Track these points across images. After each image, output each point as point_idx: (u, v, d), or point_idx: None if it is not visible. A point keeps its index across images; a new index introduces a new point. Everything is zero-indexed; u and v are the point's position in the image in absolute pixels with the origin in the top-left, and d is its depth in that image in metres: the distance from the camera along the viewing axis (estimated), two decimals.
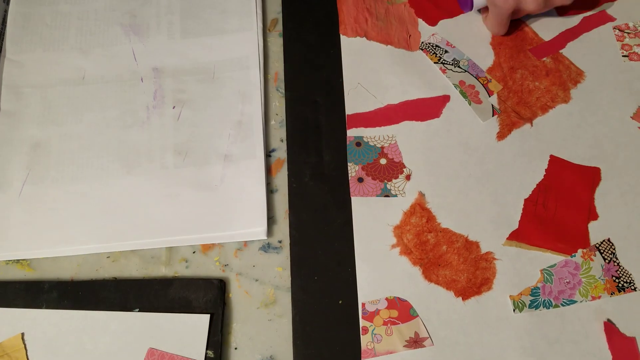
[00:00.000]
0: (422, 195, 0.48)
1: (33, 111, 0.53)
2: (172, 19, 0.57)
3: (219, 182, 0.49)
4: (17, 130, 0.52)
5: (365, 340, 0.44)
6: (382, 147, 0.51)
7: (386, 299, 0.45)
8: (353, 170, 0.50)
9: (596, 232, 0.47)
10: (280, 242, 0.48)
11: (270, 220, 0.49)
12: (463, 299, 0.45)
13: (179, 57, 0.55)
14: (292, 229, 0.48)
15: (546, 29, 0.55)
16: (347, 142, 0.51)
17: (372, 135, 0.51)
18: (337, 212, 0.48)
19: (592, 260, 0.46)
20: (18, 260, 0.48)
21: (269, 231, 0.48)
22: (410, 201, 0.48)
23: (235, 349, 0.45)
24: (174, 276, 0.47)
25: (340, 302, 0.45)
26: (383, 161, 0.50)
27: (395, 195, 0.49)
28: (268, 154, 0.52)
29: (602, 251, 0.46)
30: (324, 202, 0.49)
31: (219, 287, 0.46)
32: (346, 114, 0.52)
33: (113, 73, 0.55)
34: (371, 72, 0.54)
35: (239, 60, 0.55)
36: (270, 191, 0.50)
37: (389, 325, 0.44)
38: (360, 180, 0.49)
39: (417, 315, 0.44)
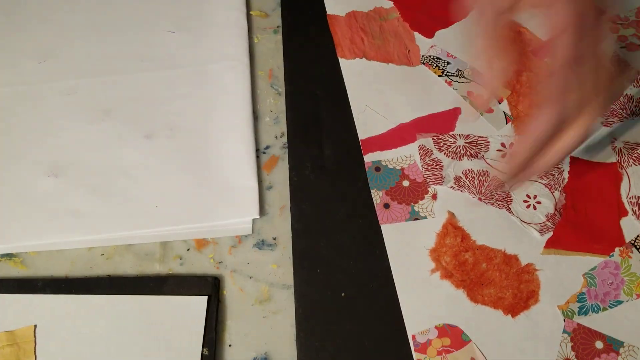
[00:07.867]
0: (451, 214, 0.47)
1: None
2: None
3: (209, 172, 0.49)
4: None
5: None
6: (402, 169, 0.49)
7: (435, 327, 0.43)
8: (377, 197, 0.48)
9: (629, 228, 0.47)
10: (274, 239, 0.48)
11: (266, 217, 0.48)
12: (512, 315, 0.44)
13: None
14: (294, 221, 0.47)
15: (542, 29, 0.55)
16: (366, 169, 0.49)
17: (390, 157, 0.50)
18: (339, 205, 0.48)
19: (630, 257, 0.45)
20: (11, 257, 0.47)
21: (264, 228, 0.48)
22: (441, 221, 0.47)
23: (230, 346, 0.44)
24: (168, 273, 0.47)
25: (343, 294, 0.44)
26: (406, 183, 0.48)
27: (425, 217, 0.47)
28: (263, 150, 0.51)
29: (638, 247, 0.46)
30: (325, 195, 0.48)
31: (214, 284, 0.45)
32: (359, 139, 0.50)
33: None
34: (377, 93, 0.52)
35: (227, 53, 0.55)
36: (265, 188, 0.50)
37: (443, 354, 0.42)
38: (387, 206, 0.47)
39: (470, 340, 0.43)
